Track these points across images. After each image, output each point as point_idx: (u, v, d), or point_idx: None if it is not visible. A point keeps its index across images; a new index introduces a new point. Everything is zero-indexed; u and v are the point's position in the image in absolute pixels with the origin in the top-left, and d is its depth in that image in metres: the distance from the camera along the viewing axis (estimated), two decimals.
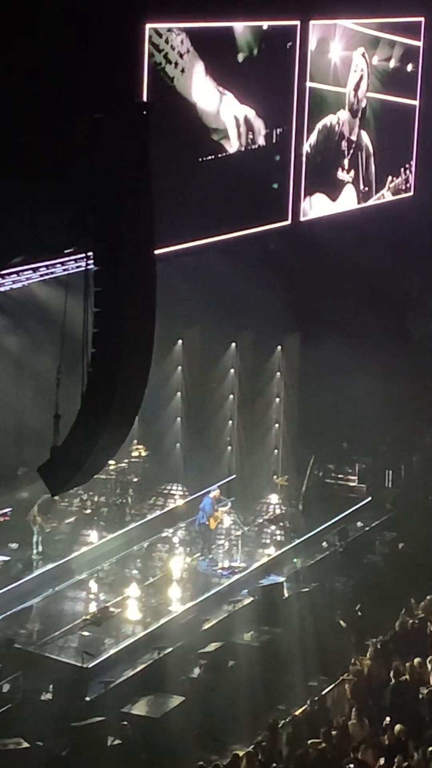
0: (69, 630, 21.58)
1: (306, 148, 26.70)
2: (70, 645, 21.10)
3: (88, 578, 23.52)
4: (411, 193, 31.11)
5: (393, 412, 30.41)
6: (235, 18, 23.67)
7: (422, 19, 30.36)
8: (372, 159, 29.27)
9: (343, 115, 27.97)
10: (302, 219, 26.91)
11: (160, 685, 20.43)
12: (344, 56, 27.56)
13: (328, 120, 27.46)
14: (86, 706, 19.41)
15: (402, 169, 30.64)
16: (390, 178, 30.20)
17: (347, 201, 28.65)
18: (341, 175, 28.31)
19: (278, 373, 29.68)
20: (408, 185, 30.90)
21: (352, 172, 28.68)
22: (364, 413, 30.01)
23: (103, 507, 25.80)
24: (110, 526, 25.38)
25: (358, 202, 29.09)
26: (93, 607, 22.42)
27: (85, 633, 21.50)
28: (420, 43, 30.40)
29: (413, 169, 31.00)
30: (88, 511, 25.63)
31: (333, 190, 28.14)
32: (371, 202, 29.54)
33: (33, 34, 16.01)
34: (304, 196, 26.90)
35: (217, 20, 23.29)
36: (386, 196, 30.11)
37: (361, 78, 28.40)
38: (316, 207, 27.41)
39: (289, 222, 26.52)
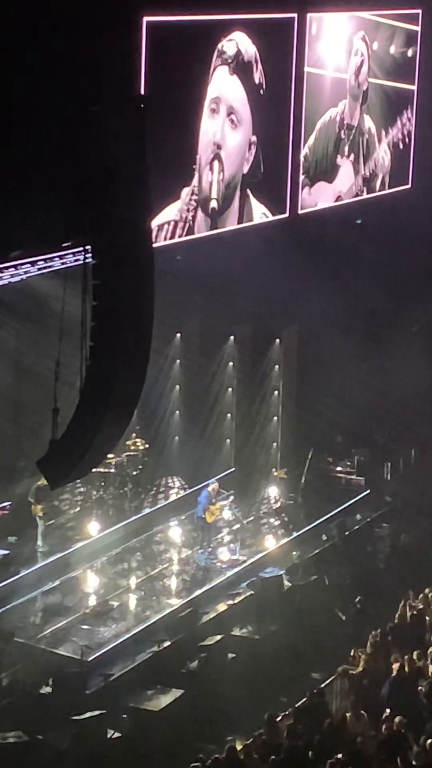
0: (69, 623, 21.61)
1: (306, 150, 26.74)
2: (69, 638, 21.13)
3: (87, 571, 23.53)
4: (408, 186, 31.14)
5: (392, 404, 30.42)
6: (232, 11, 23.68)
7: (419, 11, 30.36)
8: (375, 140, 29.26)
9: (343, 103, 28.01)
10: (300, 212, 26.94)
11: (159, 678, 20.45)
12: (344, 41, 27.57)
13: (328, 115, 27.49)
14: (86, 700, 19.44)
15: (399, 117, 30.53)
16: (383, 132, 30.13)
17: (344, 181, 28.65)
18: (340, 161, 28.37)
19: (277, 367, 29.67)
20: (408, 138, 30.80)
21: (352, 156, 28.73)
22: (362, 405, 30.02)
23: (102, 500, 25.82)
24: (109, 519, 25.39)
25: (356, 182, 29.07)
26: (92, 601, 22.44)
27: (85, 626, 21.53)
28: (418, 28, 30.40)
29: (411, 158, 31.03)
30: (87, 504, 25.65)
31: (331, 174, 28.19)
32: (366, 169, 29.57)
33: (29, 27, 15.99)
34: (304, 188, 26.92)
35: (213, 14, 23.30)
36: (386, 157, 30.04)
37: (362, 62, 28.43)
38: (315, 195, 27.44)
39: (287, 215, 26.54)
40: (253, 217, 25.25)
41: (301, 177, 26.90)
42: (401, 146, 30.63)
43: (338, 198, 28.54)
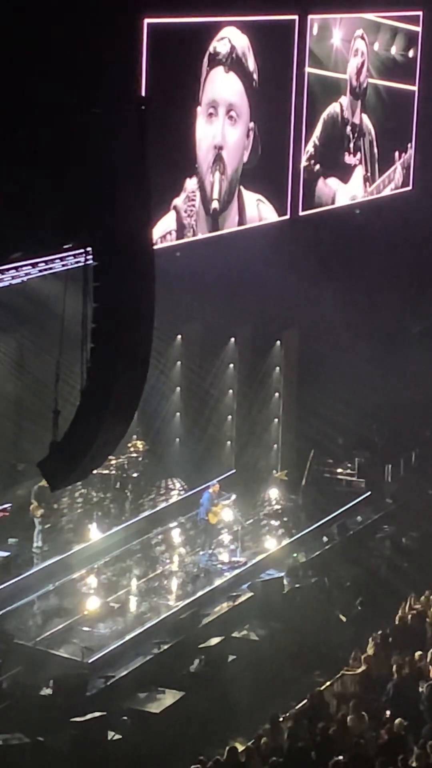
0: (69, 625, 21.59)
1: (313, 140, 26.80)
2: (70, 640, 21.11)
3: (87, 573, 23.51)
4: (410, 188, 31.16)
5: (392, 406, 30.41)
6: (233, 13, 23.70)
7: (420, 13, 30.38)
8: (374, 142, 29.37)
9: (345, 100, 28.08)
10: (302, 213, 26.97)
11: (160, 680, 20.46)
12: (345, 41, 27.61)
13: (332, 108, 27.58)
14: (86, 702, 19.44)
15: (408, 144, 30.71)
16: (398, 154, 30.23)
17: (357, 183, 28.76)
18: (348, 159, 28.43)
19: (277, 368, 29.67)
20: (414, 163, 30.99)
21: (358, 155, 28.82)
22: (363, 407, 30.01)
23: (102, 502, 25.81)
24: (110, 521, 25.37)
25: (365, 185, 29.18)
26: (93, 603, 22.40)
27: (85, 628, 21.52)
28: (419, 28, 30.45)
29: (412, 161, 31.06)
30: (88, 506, 25.63)
31: (343, 173, 28.30)
32: (378, 182, 29.61)
33: (30, 29, 15.98)
34: (319, 177, 27.07)
35: (214, 15, 23.32)
36: (397, 172, 30.16)
37: (363, 62, 28.48)
38: (330, 187, 27.53)
39: (288, 216, 26.54)
40: (246, 208, 25.20)
41: (316, 167, 27.00)
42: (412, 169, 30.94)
43: (353, 200, 28.73)
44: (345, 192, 28.40)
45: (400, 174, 30.53)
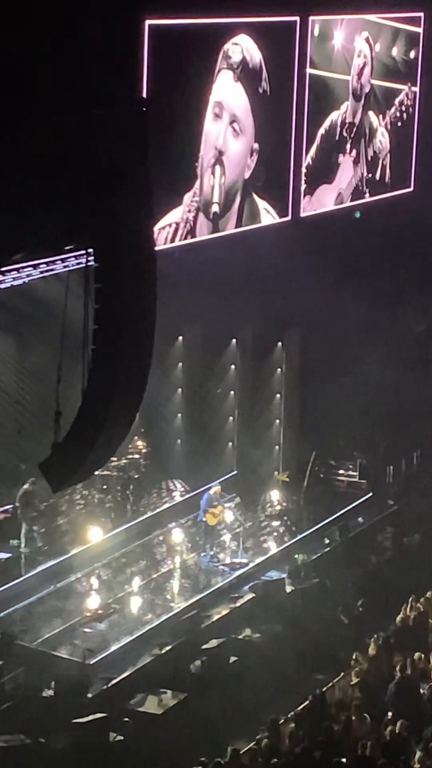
0: (70, 627, 21.57)
1: (308, 160, 26.79)
2: (71, 641, 21.09)
3: (89, 574, 23.50)
4: (410, 188, 31.15)
5: (394, 407, 30.39)
6: (234, 14, 23.70)
7: (421, 14, 30.38)
8: (377, 133, 29.31)
9: (345, 105, 28.06)
10: (302, 215, 26.96)
11: (161, 681, 20.44)
12: (347, 42, 27.60)
13: (329, 120, 27.54)
14: (88, 703, 19.42)
15: (396, 97, 30.41)
16: (383, 116, 30.15)
17: (344, 177, 28.70)
18: (341, 159, 28.39)
19: (279, 370, 29.66)
20: (412, 101, 30.74)
21: (354, 152, 28.78)
22: (365, 408, 30.00)
23: (103, 503, 25.80)
24: (111, 522, 25.36)
25: (356, 173, 29.10)
26: (94, 604, 22.39)
27: (87, 629, 21.49)
28: (420, 30, 30.43)
29: (413, 160, 31.03)
30: (89, 507, 25.62)
31: (331, 175, 28.24)
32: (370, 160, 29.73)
33: (31, 30, 15.99)
34: (306, 196, 27.02)
35: (215, 17, 23.32)
36: (383, 140, 30.00)
37: (365, 64, 28.46)
38: (315, 202, 27.50)
39: (289, 218, 26.55)
40: (256, 213, 25.27)
41: (303, 186, 26.94)
42: (399, 123, 30.59)
43: (339, 195, 28.58)
44: (331, 190, 28.27)
45: (386, 137, 30.14)
